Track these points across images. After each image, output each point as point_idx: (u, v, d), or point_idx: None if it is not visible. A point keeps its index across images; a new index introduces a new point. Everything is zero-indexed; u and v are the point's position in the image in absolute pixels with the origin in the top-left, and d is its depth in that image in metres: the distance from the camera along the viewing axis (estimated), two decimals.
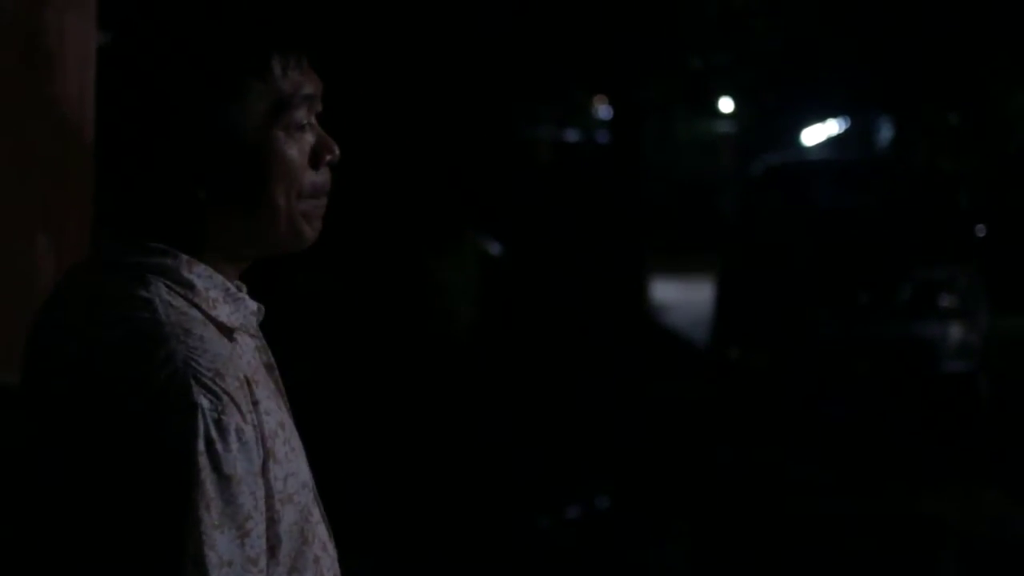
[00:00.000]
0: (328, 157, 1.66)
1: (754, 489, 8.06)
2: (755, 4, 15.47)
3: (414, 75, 11.74)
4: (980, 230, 11.35)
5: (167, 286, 1.58)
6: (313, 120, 1.65)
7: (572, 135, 17.26)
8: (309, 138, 1.65)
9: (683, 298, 16.54)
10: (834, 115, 19.21)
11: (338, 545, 1.71)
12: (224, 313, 1.62)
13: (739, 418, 9.93)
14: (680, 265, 18.78)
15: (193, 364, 1.51)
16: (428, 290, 8.37)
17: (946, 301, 10.14)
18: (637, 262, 15.25)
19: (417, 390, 8.03)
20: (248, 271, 1.70)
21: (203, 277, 1.62)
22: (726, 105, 21.53)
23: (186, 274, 1.60)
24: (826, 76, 16.33)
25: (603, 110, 18.98)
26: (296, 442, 1.63)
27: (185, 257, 1.61)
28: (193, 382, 1.50)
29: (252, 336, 1.67)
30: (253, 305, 1.67)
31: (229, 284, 1.65)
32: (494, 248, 9.29)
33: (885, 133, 18.67)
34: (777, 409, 10.10)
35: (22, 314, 3.07)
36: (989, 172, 15.52)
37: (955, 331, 10.04)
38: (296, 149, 1.63)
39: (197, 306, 1.59)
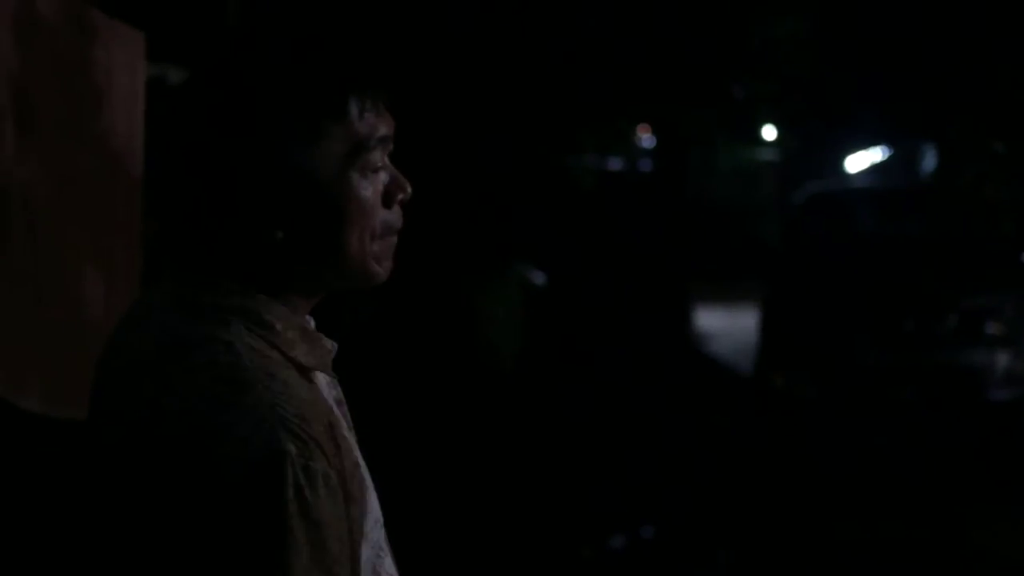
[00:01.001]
0: (400, 196, 1.69)
1: (800, 517, 8.02)
2: (798, 33, 15.45)
3: (458, 106, 11.77)
4: None
5: (247, 328, 1.59)
6: (386, 160, 1.67)
7: (615, 164, 17.26)
8: (383, 178, 1.67)
9: (727, 326, 16.49)
10: (877, 143, 19.13)
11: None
12: (301, 353, 1.62)
13: (784, 446, 9.88)
14: (724, 293, 18.72)
15: (279, 410, 1.51)
16: (473, 321, 8.37)
17: (992, 329, 10.08)
18: (681, 290, 15.22)
19: (463, 420, 8.03)
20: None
21: (281, 318, 1.62)
22: (769, 133, 21.48)
23: (265, 315, 1.61)
24: (869, 104, 16.28)
25: (646, 139, 18.97)
26: (368, 478, 1.64)
27: (263, 297, 1.62)
28: (280, 428, 1.49)
29: (325, 374, 1.68)
30: (329, 343, 1.68)
31: (305, 323, 1.66)
32: (538, 278, 9.30)
33: (929, 160, 18.58)
34: (823, 436, 10.05)
35: (70, 347, 3.10)
36: None
37: (1002, 359, 9.97)
38: (371, 190, 1.65)
39: (277, 347, 1.60)
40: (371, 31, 9.47)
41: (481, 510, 7.46)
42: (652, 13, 13.71)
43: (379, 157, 1.65)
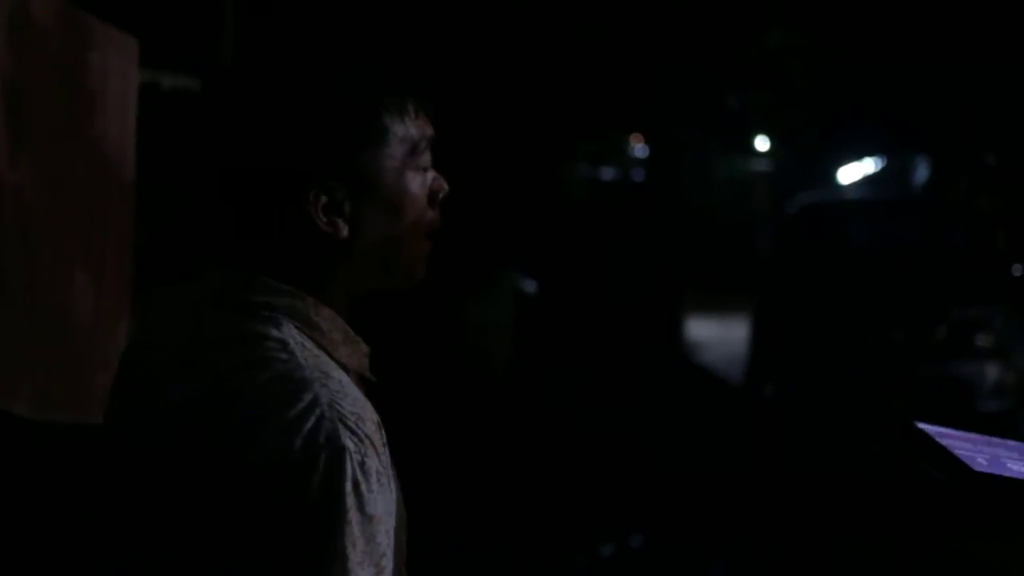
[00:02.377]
0: (442, 194, 1.73)
1: (790, 528, 8.03)
2: (792, 44, 15.49)
3: (451, 116, 11.79)
4: (1017, 269, 11.30)
5: (297, 328, 1.61)
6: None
7: (608, 174, 17.28)
8: (430, 176, 1.71)
9: (718, 336, 16.50)
10: (870, 154, 19.17)
11: None
12: (344, 355, 1.65)
13: (774, 456, 9.90)
14: (715, 303, 18.74)
15: (337, 407, 1.54)
16: (465, 329, 8.38)
17: (982, 340, 10.10)
18: (672, 300, 15.24)
19: (455, 428, 8.04)
20: None
21: (327, 319, 1.65)
22: (762, 144, 21.52)
23: (313, 316, 1.63)
24: (862, 115, 16.32)
25: (639, 148, 19.00)
26: (395, 481, 1.68)
27: (311, 299, 1.64)
28: (340, 425, 1.53)
29: (360, 376, 1.70)
30: (365, 347, 1.71)
31: (347, 327, 1.68)
32: (530, 287, 9.33)
33: (921, 172, 18.62)
34: (812, 446, 10.06)
35: (60, 352, 3.11)
36: None
37: (992, 370, 9.99)
38: (422, 189, 1.69)
39: (324, 348, 1.62)
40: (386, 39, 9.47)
41: (473, 517, 7.47)
42: (646, 24, 13.74)
43: (428, 157, 1.70)
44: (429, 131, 1.69)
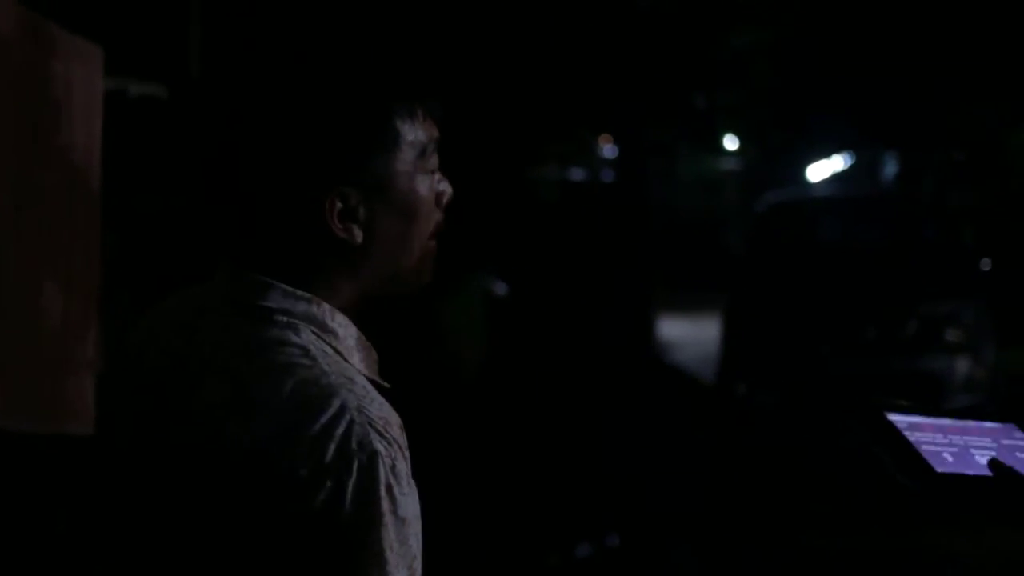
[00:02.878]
0: (446, 196, 1.74)
1: (764, 526, 8.05)
2: (760, 44, 15.54)
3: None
4: (985, 264, 11.36)
5: (315, 334, 1.62)
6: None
7: (577, 174, 17.30)
8: (436, 179, 1.72)
9: (690, 335, 16.53)
10: (839, 151, 19.24)
11: None
12: (357, 361, 1.66)
13: (747, 454, 9.92)
14: (686, 303, 18.77)
15: (366, 412, 1.55)
16: (436, 331, 8.38)
17: (952, 335, 10.15)
18: (643, 300, 15.26)
19: (426, 431, 8.04)
20: None
21: (342, 326, 1.66)
22: (731, 143, 21.59)
23: (330, 323, 1.64)
24: (830, 113, 16.38)
25: (608, 149, 19.03)
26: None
27: (327, 306, 1.64)
28: (371, 430, 1.54)
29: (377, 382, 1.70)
30: (375, 354, 1.72)
31: (360, 332, 1.69)
32: (500, 288, 9.33)
33: (890, 169, 18.70)
34: (785, 445, 10.09)
35: (28, 360, 3.10)
36: (993, 208, 15.55)
37: (962, 365, 10.04)
38: (431, 191, 1.70)
39: (340, 354, 1.63)
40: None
41: (446, 519, 7.46)
42: (615, 25, 13.76)
43: (436, 160, 1.71)
44: (436, 133, 1.71)
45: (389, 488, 1.53)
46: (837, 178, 19.52)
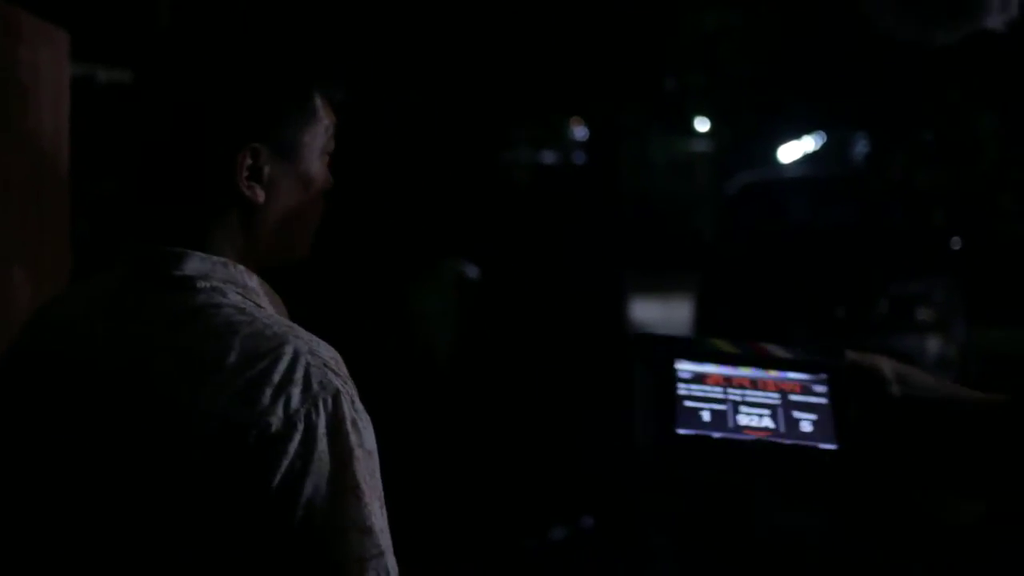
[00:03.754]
0: (329, 185, 1.78)
1: (737, 507, 8.07)
2: (728, 25, 15.55)
3: (388, 101, 11.77)
4: (955, 243, 11.40)
5: (240, 294, 1.65)
6: None
7: (548, 157, 17.28)
8: (327, 164, 1.78)
9: (663, 317, 16.56)
10: (809, 132, 19.28)
11: None
12: (277, 314, 1.70)
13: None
14: (659, 284, 18.80)
15: (318, 354, 1.60)
16: (407, 316, 8.37)
17: (923, 314, 10.19)
18: (616, 282, 15.27)
19: (398, 416, 8.03)
20: None
21: (260, 284, 1.70)
22: (702, 125, 21.60)
23: (248, 282, 1.68)
24: (801, 94, 16.40)
25: (579, 132, 19.02)
26: None
27: (242, 267, 1.68)
28: (327, 369, 1.58)
29: None
30: (284, 310, 1.77)
31: (270, 288, 1.73)
32: (472, 272, 9.32)
33: (860, 149, 18.75)
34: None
35: None
36: (962, 187, 15.61)
37: (932, 344, 10.08)
38: (325, 174, 1.76)
39: (265, 309, 1.67)
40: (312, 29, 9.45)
41: (420, 504, 7.47)
42: (585, 6, 13.75)
43: (332, 145, 1.77)
44: (334, 120, 1.76)
45: (355, 422, 1.57)
46: (808, 159, 19.56)
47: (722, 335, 2.19)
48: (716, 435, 2.01)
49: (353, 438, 1.56)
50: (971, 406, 2.05)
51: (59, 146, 3.44)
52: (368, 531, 1.55)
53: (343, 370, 1.62)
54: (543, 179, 15.93)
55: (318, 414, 1.54)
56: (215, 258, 1.65)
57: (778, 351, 2.16)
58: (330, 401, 1.56)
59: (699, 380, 2.06)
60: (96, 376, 1.61)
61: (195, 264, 1.64)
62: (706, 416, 2.02)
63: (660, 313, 17.17)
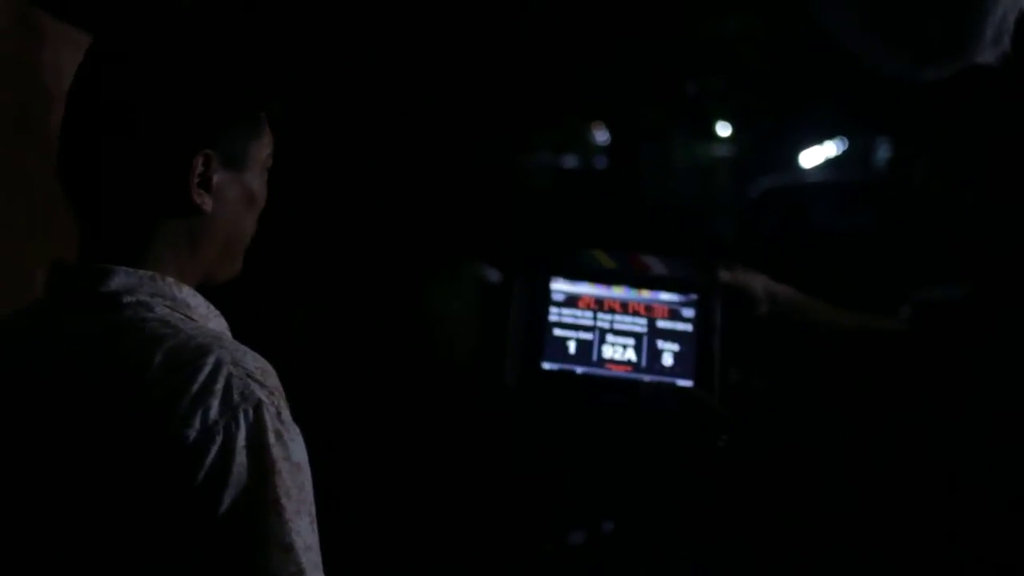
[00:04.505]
0: (264, 202, 1.76)
1: (760, 510, 8.05)
2: (750, 29, 15.52)
3: (409, 104, 11.77)
4: None
5: (168, 307, 1.62)
6: None
7: (569, 161, 17.27)
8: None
9: None
10: (831, 137, 19.23)
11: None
12: (214, 327, 1.67)
13: (741, 439, 9.91)
14: None
15: (242, 364, 1.56)
16: (428, 319, 8.36)
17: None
18: None
19: (419, 419, 8.03)
20: (243, 308, 1.74)
21: (191, 295, 1.67)
22: (723, 129, 21.55)
23: (178, 294, 1.65)
24: (823, 99, 16.36)
25: (600, 135, 19.01)
26: None
27: (171, 279, 1.65)
28: (249, 380, 1.54)
29: None
30: (225, 322, 1.72)
31: (207, 301, 1.70)
32: (492, 275, 9.31)
33: (883, 154, 18.69)
34: (779, 429, 10.09)
35: None
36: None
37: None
38: (264, 189, 1.74)
39: (195, 322, 1.64)
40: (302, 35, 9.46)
41: (439, 507, 7.46)
42: (606, 9, 13.74)
43: (270, 160, 1.74)
44: (272, 137, 1.74)
45: (279, 434, 1.53)
46: (829, 164, 19.51)
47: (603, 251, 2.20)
48: (580, 370, 2.02)
49: (276, 451, 1.52)
50: (852, 330, 2.09)
51: None
52: (288, 548, 1.50)
53: (271, 381, 1.58)
54: (564, 183, 15.92)
55: (238, 426, 1.51)
56: (142, 272, 1.62)
57: (655, 264, 2.16)
58: (251, 412, 1.52)
59: (571, 303, 2.06)
60: (21, 397, 1.58)
61: (120, 279, 1.61)
62: (572, 347, 2.03)
63: None
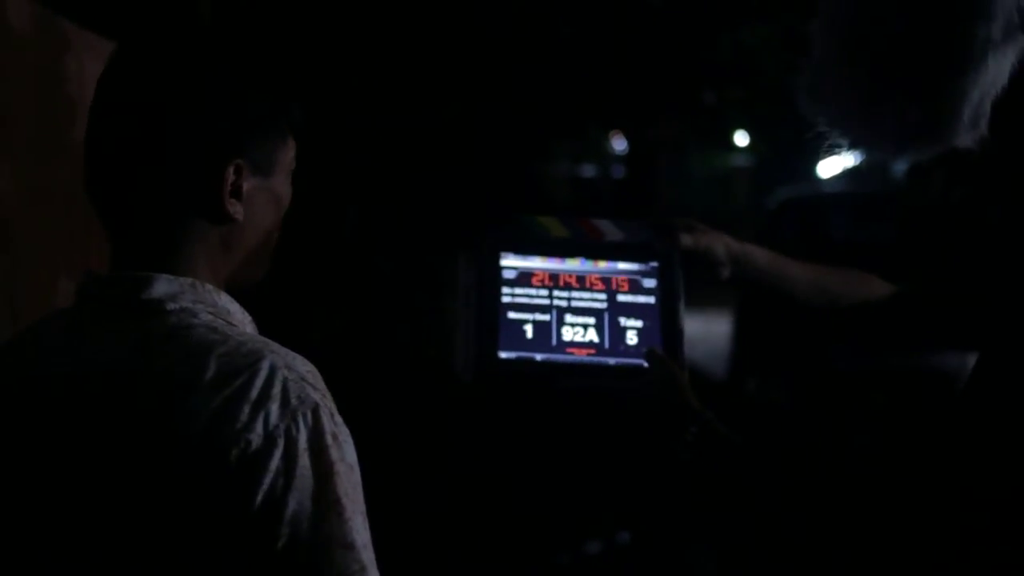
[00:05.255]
0: (288, 204, 1.78)
1: (775, 521, 8.02)
2: (768, 39, 15.51)
3: (429, 113, 11.78)
4: None
5: (211, 313, 1.63)
6: None
7: (587, 171, 17.28)
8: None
9: (700, 332, 16.47)
10: (850, 147, 19.19)
11: None
12: (251, 332, 1.68)
13: (757, 451, 9.89)
14: (697, 299, 18.67)
15: (295, 368, 1.58)
16: (448, 328, 8.36)
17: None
18: None
19: (440, 426, 8.03)
20: (264, 310, 1.75)
21: (229, 302, 1.68)
22: (741, 139, 21.55)
23: (218, 300, 1.66)
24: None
25: (618, 145, 19.01)
26: None
27: (211, 286, 1.66)
28: (304, 383, 1.56)
29: None
30: (256, 328, 1.74)
31: (242, 307, 1.71)
32: None
33: (900, 166, 18.64)
34: (794, 440, 10.07)
35: None
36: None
37: (973, 362, 10.02)
38: (289, 193, 1.76)
39: (237, 327, 1.65)
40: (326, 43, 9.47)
41: (457, 515, 7.46)
42: (623, 20, 13.74)
43: (294, 163, 1.76)
44: (295, 141, 1.76)
45: (335, 436, 1.56)
46: (848, 174, 19.47)
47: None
48: (539, 357, 1.92)
49: (334, 452, 1.55)
50: (834, 297, 2.06)
51: None
52: (350, 547, 1.53)
53: (321, 384, 1.60)
54: (582, 192, 15.92)
55: (298, 429, 1.53)
56: (183, 279, 1.63)
57: (609, 229, 2.06)
58: (309, 415, 1.54)
59: (524, 281, 1.96)
60: (73, 407, 1.58)
61: (163, 287, 1.62)
62: (529, 331, 1.92)
63: (699, 327, 17.07)
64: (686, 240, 2.06)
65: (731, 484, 1.97)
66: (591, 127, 17.56)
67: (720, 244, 2.06)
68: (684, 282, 1.98)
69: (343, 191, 8.78)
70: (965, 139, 1.85)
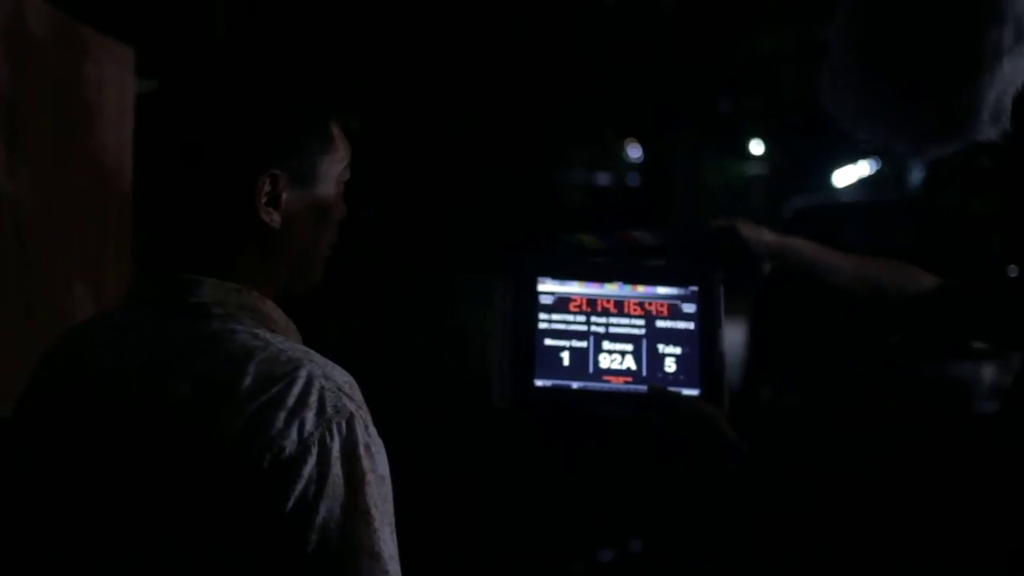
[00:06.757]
0: (342, 214, 1.79)
1: (788, 528, 8.01)
2: (783, 48, 15.51)
3: (444, 121, 11.79)
4: (1012, 271, 11.30)
5: (253, 320, 1.65)
6: None
7: (603, 178, 17.27)
8: (341, 192, 1.78)
9: None
10: (865, 156, 19.19)
11: None
12: (294, 340, 1.70)
13: (772, 458, 9.88)
14: None
15: (332, 378, 1.60)
16: (464, 337, 8.37)
17: (978, 342, 10.09)
18: None
19: (452, 434, 8.03)
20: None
21: (273, 309, 1.70)
22: (756, 147, 21.53)
23: (262, 307, 1.68)
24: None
25: (633, 152, 19.01)
26: None
27: (256, 292, 1.68)
28: (340, 393, 1.58)
29: None
30: (299, 336, 1.75)
31: (286, 316, 1.73)
32: None
33: (916, 175, 18.64)
34: (809, 449, 10.06)
35: None
36: (1021, 214, 15.47)
37: (988, 371, 9.99)
38: (340, 202, 1.77)
39: (279, 335, 1.67)
40: (356, 54, 9.49)
41: (470, 524, 7.46)
42: (639, 30, 13.75)
43: (348, 175, 1.77)
44: (350, 150, 1.77)
45: (368, 447, 1.57)
46: (863, 183, 19.46)
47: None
48: (575, 385, 1.90)
49: (366, 463, 1.56)
50: (875, 291, 2.04)
51: (122, 162, 3.47)
52: (377, 556, 1.55)
53: (357, 395, 1.61)
54: (597, 200, 15.90)
55: (332, 438, 1.55)
56: (229, 284, 1.66)
57: (647, 238, 2.02)
58: (344, 425, 1.56)
59: (562, 307, 1.94)
60: (114, 403, 1.62)
61: (209, 291, 1.64)
62: (566, 359, 1.90)
63: None
64: (736, 232, 2.04)
65: (758, 507, 1.95)
66: (606, 135, 17.55)
67: (757, 238, 2.05)
68: (724, 306, 1.95)
69: (360, 198, 8.78)
70: (988, 134, 1.85)
